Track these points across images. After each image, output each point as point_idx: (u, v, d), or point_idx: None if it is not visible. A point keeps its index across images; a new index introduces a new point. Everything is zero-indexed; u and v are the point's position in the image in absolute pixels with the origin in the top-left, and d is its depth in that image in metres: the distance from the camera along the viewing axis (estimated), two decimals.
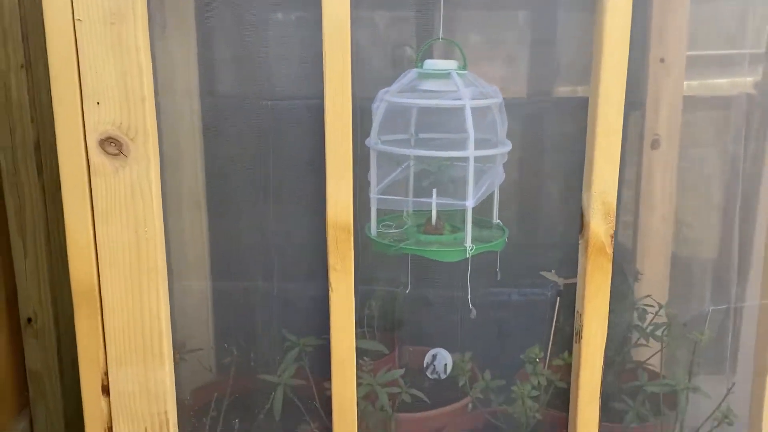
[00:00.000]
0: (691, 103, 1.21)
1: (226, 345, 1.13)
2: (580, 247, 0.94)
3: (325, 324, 0.94)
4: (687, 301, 1.20)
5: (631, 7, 0.84)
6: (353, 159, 0.88)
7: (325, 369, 0.96)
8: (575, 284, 0.97)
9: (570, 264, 0.99)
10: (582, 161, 0.93)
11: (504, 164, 1.03)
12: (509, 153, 1.02)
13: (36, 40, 1.17)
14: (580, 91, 1.12)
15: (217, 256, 1.18)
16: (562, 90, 1.23)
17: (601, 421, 0.98)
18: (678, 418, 1.08)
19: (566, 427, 1.01)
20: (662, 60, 1.20)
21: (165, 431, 0.90)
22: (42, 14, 1.13)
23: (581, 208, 0.92)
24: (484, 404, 1.11)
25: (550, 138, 1.24)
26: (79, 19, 0.80)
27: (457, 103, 0.95)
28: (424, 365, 1.16)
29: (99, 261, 0.85)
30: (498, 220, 1.07)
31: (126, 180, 0.84)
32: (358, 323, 0.94)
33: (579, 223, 0.94)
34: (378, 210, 1.03)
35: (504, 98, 1.00)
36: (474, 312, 1.03)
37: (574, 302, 0.97)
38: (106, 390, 0.88)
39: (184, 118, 1.13)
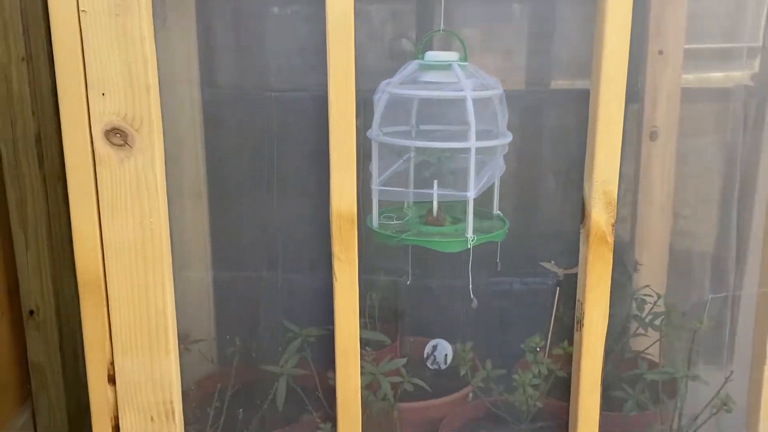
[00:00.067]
0: (689, 94, 1.22)
1: (227, 336, 1.14)
2: (582, 236, 0.94)
3: (327, 314, 0.94)
4: (685, 291, 1.21)
5: None
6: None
7: (328, 359, 0.97)
8: (575, 274, 0.98)
9: (569, 254, 1.00)
10: (581, 153, 0.93)
11: (504, 156, 1.03)
12: (509, 144, 1.03)
13: (36, 32, 1.17)
14: (579, 83, 1.13)
15: (218, 247, 1.19)
16: (561, 81, 1.23)
17: (601, 409, 0.99)
18: (677, 407, 1.09)
19: (566, 416, 1.02)
20: (660, 52, 1.21)
21: (170, 420, 0.90)
22: (42, 7, 1.13)
23: (582, 198, 0.93)
24: (485, 393, 1.12)
25: (549, 129, 1.25)
26: (83, 11, 0.80)
27: (459, 94, 0.96)
28: (425, 356, 1.17)
29: (104, 252, 0.86)
30: (498, 211, 1.07)
31: (131, 170, 0.84)
32: (360, 314, 0.95)
33: (580, 213, 0.94)
34: (379, 201, 1.03)
35: (504, 90, 1.01)
36: (475, 302, 1.04)
37: (574, 292, 0.98)
38: (112, 380, 0.89)
39: (185, 109, 1.14)
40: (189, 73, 1.14)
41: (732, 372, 1.10)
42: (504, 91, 1.00)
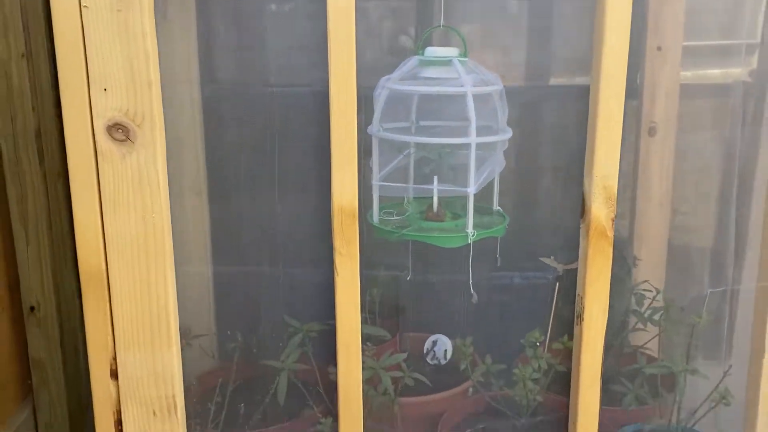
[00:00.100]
0: (687, 90, 1.23)
1: (228, 331, 1.14)
2: (582, 231, 0.95)
3: (328, 309, 0.95)
4: (684, 286, 1.22)
5: None
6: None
7: (329, 354, 0.97)
8: (574, 270, 0.99)
9: (568, 250, 1.00)
10: (580, 148, 0.94)
11: (504, 151, 1.04)
12: (509, 140, 1.03)
13: (36, 29, 1.16)
14: (578, 79, 1.13)
15: (218, 242, 1.19)
16: (561, 77, 1.24)
17: (600, 403, 1.00)
18: (676, 401, 1.10)
19: (566, 410, 1.02)
20: (659, 48, 1.21)
21: (173, 415, 0.90)
22: (42, 3, 1.13)
23: (582, 193, 0.93)
24: (485, 388, 1.13)
25: (549, 125, 1.25)
26: (85, 6, 0.80)
27: (459, 90, 0.96)
28: (425, 351, 1.17)
29: (107, 247, 0.86)
30: (498, 207, 1.08)
31: (133, 166, 0.84)
32: (360, 309, 0.95)
33: (579, 208, 0.95)
34: (379, 197, 1.04)
35: (504, 86, 1.01)
36: (475, 297, 1.05)
37: (573, 287, 0.98)
38: (114, 374, 0.89)
39: (184, 105, 1.14)
40: (189, 70, 1.14)
41: (730, 366, 1.10)
42: (504, 86, 1.01)
